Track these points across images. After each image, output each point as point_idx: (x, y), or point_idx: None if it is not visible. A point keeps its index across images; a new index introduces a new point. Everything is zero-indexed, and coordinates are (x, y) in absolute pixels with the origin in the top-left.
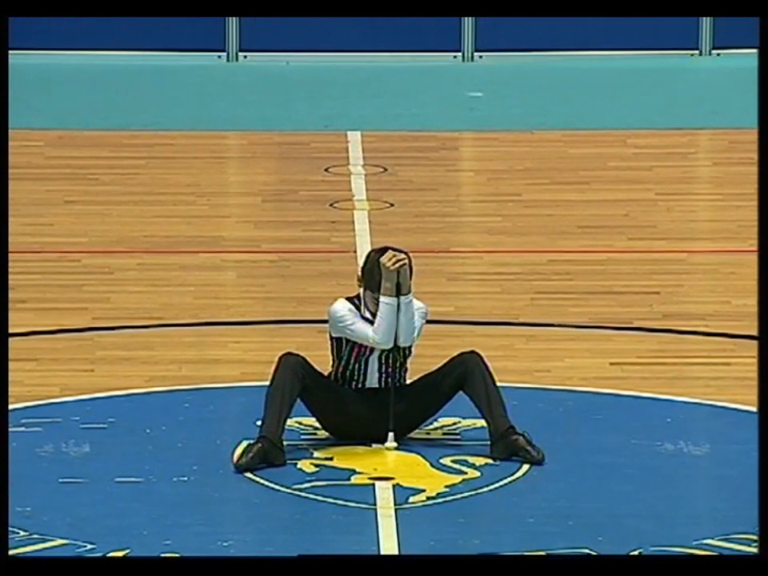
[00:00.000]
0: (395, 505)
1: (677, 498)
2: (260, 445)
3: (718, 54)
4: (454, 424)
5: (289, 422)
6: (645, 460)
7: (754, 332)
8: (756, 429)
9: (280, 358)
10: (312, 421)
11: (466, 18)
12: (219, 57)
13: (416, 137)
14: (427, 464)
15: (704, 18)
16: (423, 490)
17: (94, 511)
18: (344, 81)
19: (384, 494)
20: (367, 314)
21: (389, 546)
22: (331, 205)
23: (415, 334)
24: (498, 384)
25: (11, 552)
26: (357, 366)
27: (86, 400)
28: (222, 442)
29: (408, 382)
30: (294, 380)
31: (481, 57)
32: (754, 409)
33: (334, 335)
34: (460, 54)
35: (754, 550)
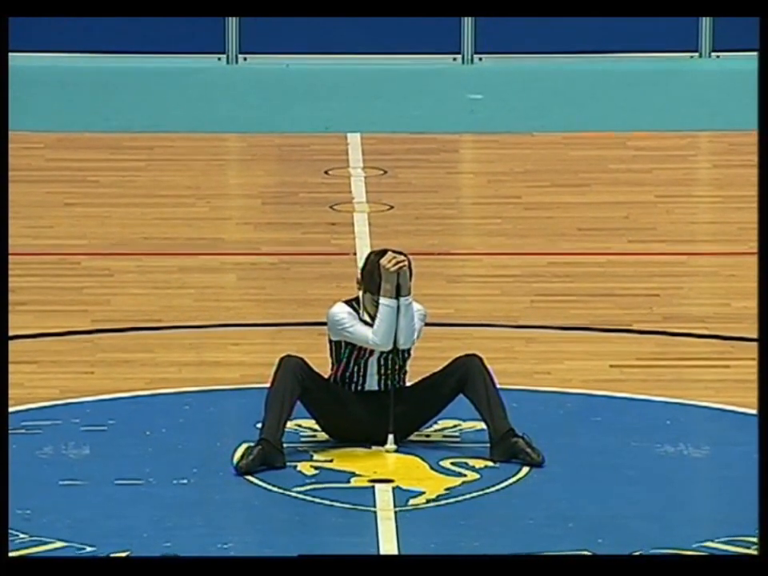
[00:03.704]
0: (395, 507)
1: (677, 500)
2: (260, 447)
3: (718, 56)
4: (454, 426)
5: (289, 424)
6: (645, 462)
7: (754, 334)
8: (756, 431)
9: (280, 361)
10: (312, 423)
11: (465, 20)
12: (219, 59)
13: (416, 139)
14: (427, 466)
15: (704, 20)
16: (423, 493)
17: (94, 513)
18: (344, 83)
19: (384, 496)
20: (366, 317)
21: (389, 548)
22: (331, 207)
23: (415, 336)
24: (498, 386)
25: (11, 554)
26: (356, 368)
27: (86, 402)
28: (222, 444)
29: (408, 384)
30: (294, 382)
31: (481, 59)
32: (754, 411)
33: (333, 338)
34: (460, 56)
35: (754, 552)
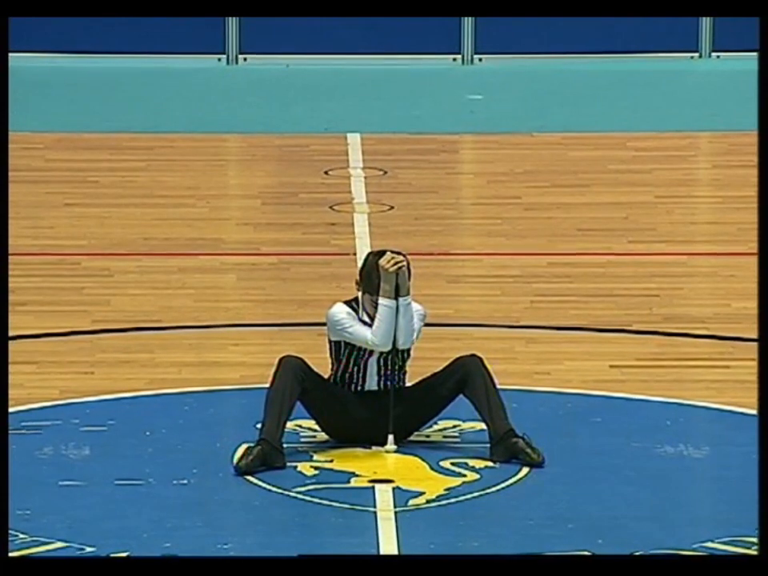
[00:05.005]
0: (395, 507)
1: (677, 501)
2: (260, 447)
3: (718, 57)
4: (454, 427)
5: (288, 424)
6: (645, 463)
7: (754, 335)
8: (756, 431)
9: (280, 361)
10: (312, 423)
11: (465, 21)
12: (219, 59)
13: (416, 139)
14: (427, 467)
15: (704, 21)
16: (423, 493)
17: (94, 514)
18: (344, 83)
19: (384, 496)
20: (365, 317)
21: (388, 548)
22: (331, 207)
23: (414, 336)
24: (498, 387)
25: (11, 554)
26: (356, 368)
27: (86, 402)
28: (221, 444)
29: (408, 384)
30: (294, 383)
31: (480, 59)
32: (754, 411)
33: (332, 339)
34: (460, 56)
35: (754, 552)
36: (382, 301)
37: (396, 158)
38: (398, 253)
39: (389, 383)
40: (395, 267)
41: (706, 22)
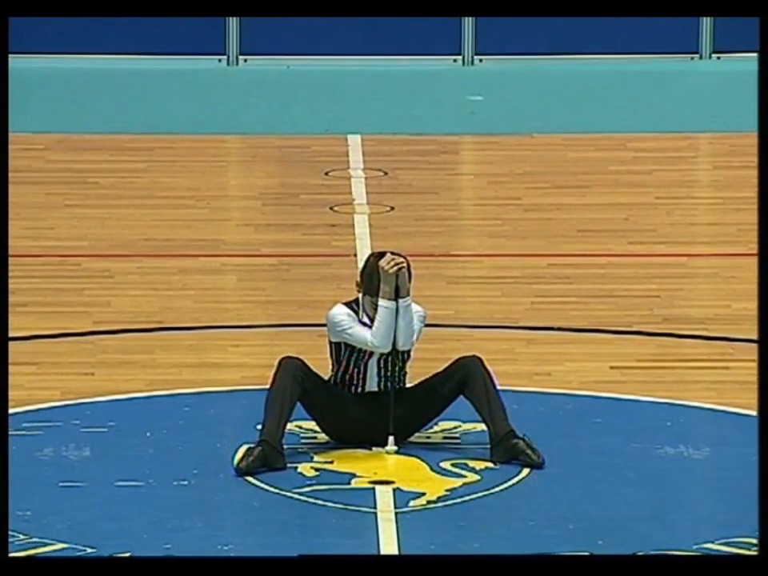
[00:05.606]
0: (395, 508)
1: (677, 502)
2: (260, 448)
3: (719, 58)
4: (455, 428)
5: (289, 425)
6: (645, 463)
7: (754, 335)
8: (756, 432)
9: (280, 362)
10: (312, 424)
11: (466, 21)
12: (219, 60)
13: (416, 140)
14: (427, 468)
15: (704, 22)
16: (423, 494)
17: (94, 515)
18: (344, 84)
19: (384, 497)
20: (365, 319)
21: (389, 549)
22: (331, 208)
23: (414, 337)
24: (499, 388)
25: (11, 555)
26: (356, 370)
27: (87, 403)
28: (222, 445)
29: (408, 385)
30: (294, 384)
31: (481, 60)
32: (754, 412)
33: (332, 340)
34: (460, 57)
35: (754, 553)
36: (381, 302)
37: (396, 158)
38: (398, 254)
39: (389, 384)
40: (395, 269)
41: (706, 23)
